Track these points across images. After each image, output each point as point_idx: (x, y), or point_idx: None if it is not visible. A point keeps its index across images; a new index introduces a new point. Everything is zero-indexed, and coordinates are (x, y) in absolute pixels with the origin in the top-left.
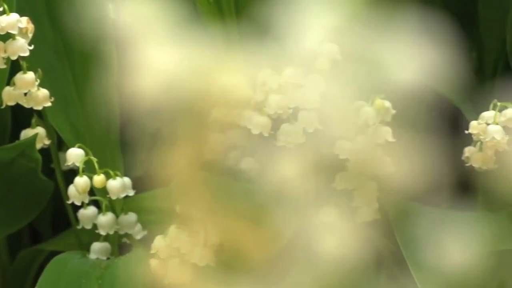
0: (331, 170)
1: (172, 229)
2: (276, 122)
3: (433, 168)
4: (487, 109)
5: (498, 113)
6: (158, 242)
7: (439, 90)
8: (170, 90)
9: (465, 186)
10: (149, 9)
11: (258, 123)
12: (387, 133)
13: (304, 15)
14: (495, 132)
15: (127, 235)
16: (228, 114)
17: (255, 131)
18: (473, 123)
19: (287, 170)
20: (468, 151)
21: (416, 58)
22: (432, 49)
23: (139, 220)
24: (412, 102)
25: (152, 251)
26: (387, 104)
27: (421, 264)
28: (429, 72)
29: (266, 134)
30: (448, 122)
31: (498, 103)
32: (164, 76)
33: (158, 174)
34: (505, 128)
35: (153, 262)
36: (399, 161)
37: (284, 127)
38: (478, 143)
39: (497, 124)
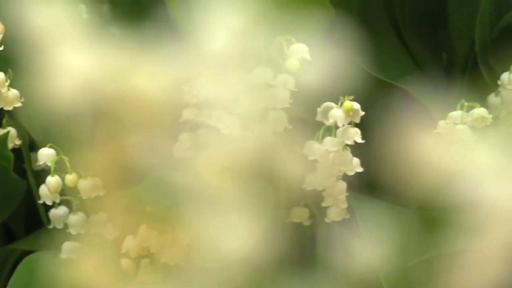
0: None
1: (142, 229)
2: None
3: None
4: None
5: (465, 113)
6: (128, 241)
7: (409, 90)
8: (86, 93)
9: None
10: (63, 12)
11: (227, 123)
12: (356, 134)
13: (210, 16)
14: (462, 131)
15: (99, 234)
16: (142, 115)
17: (225, 131)
18: (441, 123)
19: (209, 171)
20: None
21: (320, 59)
22: (335, 51)
23: (113, 219)
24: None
25: (123, 251)
26: (356, 105)
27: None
28: (327, 72)
29: (235, 134)
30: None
31: (465, 103)
32: (79, 79)
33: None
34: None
35: (124, 262)
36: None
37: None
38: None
39: (464, 124)
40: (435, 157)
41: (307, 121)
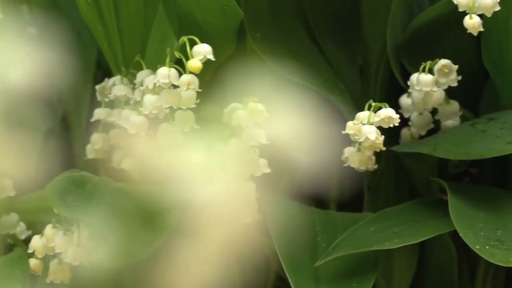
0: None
1: (48, 229)
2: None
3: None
4: None
5: (372, 113)
6: (35, 241)
7: (321, 92)
8: None
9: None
10: None
11: (135, 123)
12: (260, 136)
13: None
14: (369, 132)
15: (10, 235)
16: None
17: (132, 131)
18: (349, 124)
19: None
20: (347, 151)
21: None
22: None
23: (27, 220)
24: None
25: (29, 251)
26: (261, 107)
27: (296, 267)
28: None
29: (143, 134)
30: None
31: (373, 104)
32: None
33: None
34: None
35: (32, 262)
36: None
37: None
38: (357, 144)
39: (371, 124)
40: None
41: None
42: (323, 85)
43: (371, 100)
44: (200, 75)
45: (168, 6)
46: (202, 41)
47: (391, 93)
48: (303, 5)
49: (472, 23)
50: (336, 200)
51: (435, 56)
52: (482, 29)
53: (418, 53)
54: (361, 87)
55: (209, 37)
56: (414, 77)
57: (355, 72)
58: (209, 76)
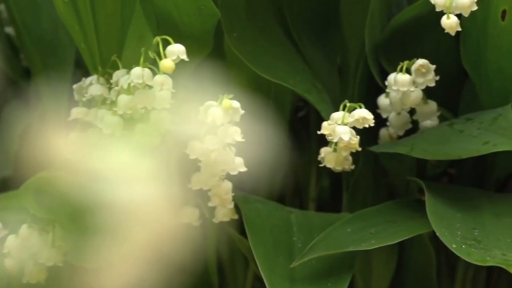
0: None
1: (23, 229)
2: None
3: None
4: None
5: (347, 113)
6: (10, 241)
7: (297, 91)
8: None
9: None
10: None
11: (109, 123)
12: (235, 133)
13: None
14: (343, 133)
15: None
16: None
17: (107, 131)
18: (324, 124)
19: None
20: (323, 151)
21: None
22: None
23: (4, 219)
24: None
25: (5, 250)
26: (236, 104)
27: (271, 267)
28: None
29: (117, 134)
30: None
31: (348, 104)
32: None
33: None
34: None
35: (8, 262)
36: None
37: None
38: (333, 144)
39: (345, 124)
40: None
41: None
42: (300, 84)
43: (347, 101)
44: (178, 75)
45: (145, 6)
46: (180, 41)
47: (371, 93)
48: (281, 5)
49: (449, 23)
50: (315, 200)
51: (414, 56)
52: (459, 29)
53: (396, 53)
54: (340, 87)
55: (187, 37)
56: (391, 77)
57: (334, 72)
58: (187, 76)
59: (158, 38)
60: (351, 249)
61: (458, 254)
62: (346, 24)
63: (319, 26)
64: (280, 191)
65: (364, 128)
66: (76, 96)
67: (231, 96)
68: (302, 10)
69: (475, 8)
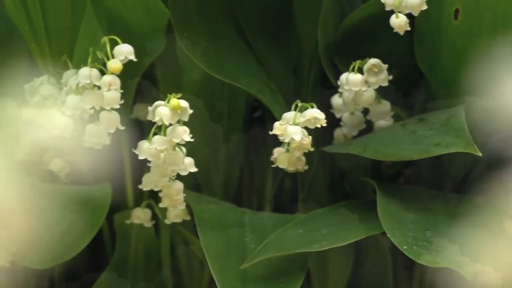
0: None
1: None
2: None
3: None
4: None
5: (298, 113)
6: None
7: (250, 91)
8: None
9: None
10: None
11: (58, 124)
12: (184, 133)
13: None
14: (294, 133)
15: None
16: None
17: (56, 132)
18: (276, 124)
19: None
20: (276, 151)
21: None
22: None
23: None
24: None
25: None
26: (184, 104)
27: (223, 267)
28: None
29: (67, 135)
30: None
31: (299, 104)
32: None
33: None
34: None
35: None
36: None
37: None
38: (286, 144)
39: (297, 124)
40: None
41: None
42: (254, 85)
43: (298, 100)
44: (129, 75)
45: (96, 6)
46: (130, 41)
47: (326, 93)
48: (234, 5)
49: (398, 22)
50: (272, 201)
51: (369, 55)
52: (409, 28)
53: (351, 53)
54: (294, 87)
55: (137, 37)
56: (343, 76)
57: (289, 71)
58: (139, 75)
59: (106, 38)
60: (302, 250)
61: (408, 255)
62: (300, 24)
63: (272, 26)
64: (236, 192)
65: (319, 128)
66: (27, 96)
67: (179, 95)
68: (256, 10)
69: (425, 7)
